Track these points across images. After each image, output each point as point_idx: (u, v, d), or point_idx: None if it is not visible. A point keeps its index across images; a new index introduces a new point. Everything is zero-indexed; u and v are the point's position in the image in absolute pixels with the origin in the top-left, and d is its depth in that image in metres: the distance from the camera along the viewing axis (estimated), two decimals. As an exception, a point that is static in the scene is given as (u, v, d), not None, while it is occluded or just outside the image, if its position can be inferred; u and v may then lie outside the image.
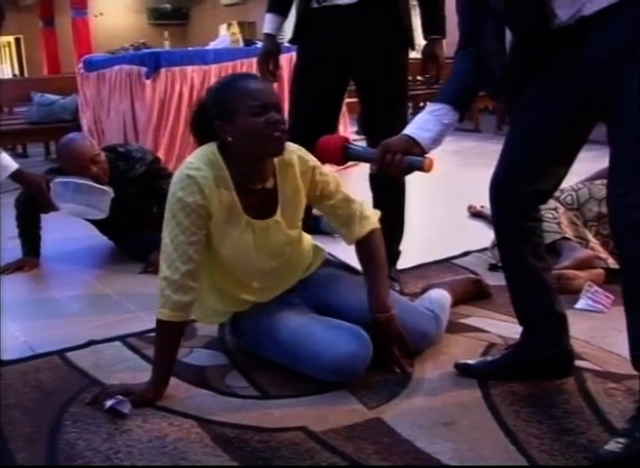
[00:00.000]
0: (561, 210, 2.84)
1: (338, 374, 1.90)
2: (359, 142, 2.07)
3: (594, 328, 2.23)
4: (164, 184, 2.88)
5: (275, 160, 1.92)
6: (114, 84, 5.27)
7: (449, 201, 4.21)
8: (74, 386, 2.00)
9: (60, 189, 2.81)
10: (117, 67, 5.24)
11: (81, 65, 5.99)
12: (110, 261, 3.30)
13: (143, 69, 4.87)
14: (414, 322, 2.08)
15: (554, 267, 2.44)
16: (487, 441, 1.65)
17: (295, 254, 2.10)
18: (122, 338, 2.32)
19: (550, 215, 2.74)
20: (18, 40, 21.10)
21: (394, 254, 2.75)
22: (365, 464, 1.58)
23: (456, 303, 2.40)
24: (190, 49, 5.50)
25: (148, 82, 4.81)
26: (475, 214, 3.78)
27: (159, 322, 1.88)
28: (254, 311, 2.07)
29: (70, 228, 3.49)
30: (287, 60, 4.85)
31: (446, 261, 3.03)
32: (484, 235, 3.21)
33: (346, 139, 1.80)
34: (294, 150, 1.96)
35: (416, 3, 2.65)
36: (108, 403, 1.83)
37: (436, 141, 1.76)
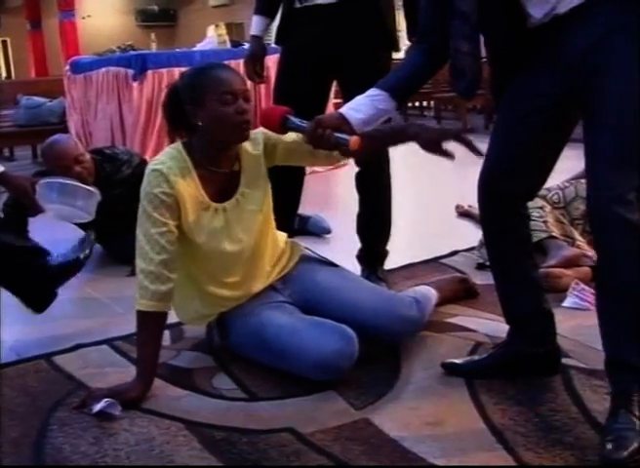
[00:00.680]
0: (548, 208, 2.85)
1: (324, 371, 1.90)
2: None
3: (581, 326, 2.24)
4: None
5: (239, 146, 2.02)
6: (101, 86, 5.27)
7: (436, 200, 4.22)
8: (61, 390, 1.99)
9: (45, 190, 2.79)
10: (104, 69, 5.24)
11: (68, 68, 5.98)
12: (97, 264, 3.28)
13: (130, 71, 4.86)
14: (393, 306, 2.10)
15: (541, 266, 2.45)
16: (474, 440, 1.65)
17: (263, 236, 2.11)
18: (109, 341, 2.32)
19: (537, 214, 2.74)
20: (4, 42, 21.01)
21: (381, 254, 2.75)
22: (352, 465, 1.58)
23: (443, 302, 2.41)
24: (177, 50, 5.50)
25: (135, 84, 4.80)
26: (463, 214, 3.78)
27: (139, 313, 1.91)
28: (240, 312, 2.08)
29: (57, 231, 3.46)
30: (274, 62, 4.83)
31: (434, 261, 3.03)
32: (472, 234, 3.22)
33: (287, 111, 1.88)
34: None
35: (401, 4, 2.66)
36: (98, 406, 1.82)
37: (367, 123, 1.83)
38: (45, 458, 1.67)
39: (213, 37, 5.55)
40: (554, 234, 2.74)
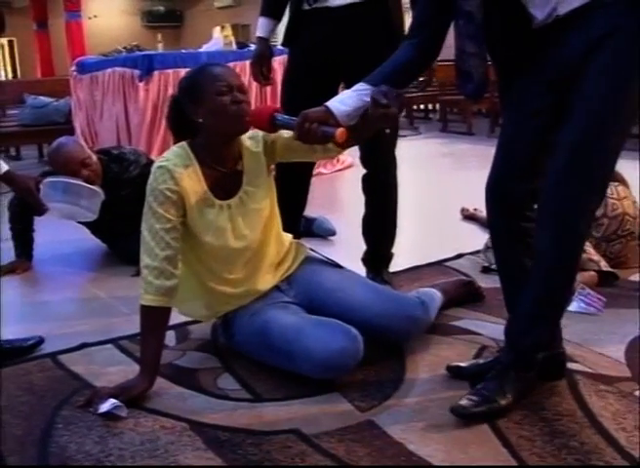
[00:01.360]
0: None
1: (329, 370, 1.91)
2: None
3: (587, 330, 2.24)
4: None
5: (241, 145, 2.05)
6: (107, 86, 5.27)
7: (442, 204, 4.22)
8: (66, 389, 2.00)
9: (49, 189, 2.81)
10: (110, 70, 5.24)
11: (74, 68, 5.99)
12: (103, 264, 3.29)
13: (136, 72, 4.86)
14: (399, 305, 2.12)
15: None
16: (478, 443, 1.65)
17: (268, 233, 2.12)
18: (114, 341, 2.32)
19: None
20: (11, 42, 21.04)
21: (387, 257, 2.75)
22: (357, 467, 1.58)
23: (448, 305, 2.41)
24: (183, 51, 5.50)
25: (141, 84, 4.80)
26: (468, 217, 3.79)
27: (143, 308, 1.93)
28: (245, 312, 2.09)
29: (63, 231, 3.48)
30: (280, 63, 4.85)
31: (439, 264, 3.03)
32: (477, 238, 3.22)
33: (276, 109, 1.93)
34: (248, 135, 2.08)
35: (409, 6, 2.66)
36: (104, 407, 1.82)
37: (351, 117, 1.85)
38: (49, 457, 1.67)
39: (219, 38, 5.56)
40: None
